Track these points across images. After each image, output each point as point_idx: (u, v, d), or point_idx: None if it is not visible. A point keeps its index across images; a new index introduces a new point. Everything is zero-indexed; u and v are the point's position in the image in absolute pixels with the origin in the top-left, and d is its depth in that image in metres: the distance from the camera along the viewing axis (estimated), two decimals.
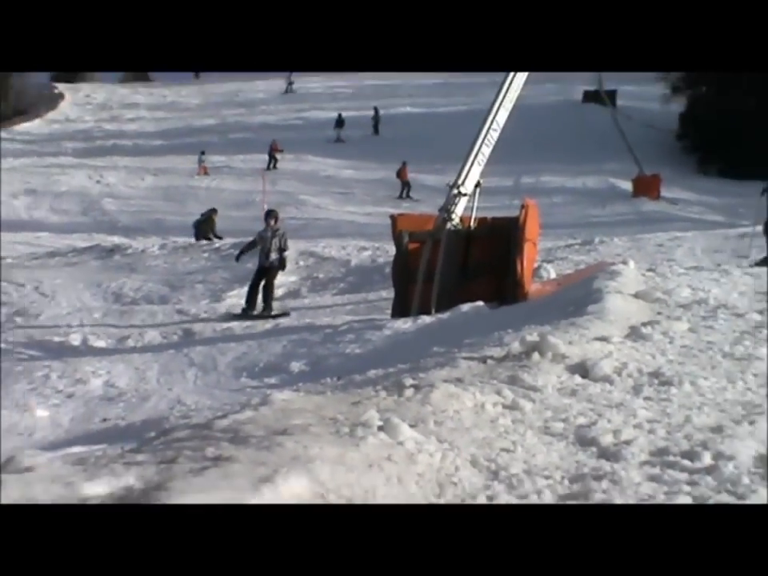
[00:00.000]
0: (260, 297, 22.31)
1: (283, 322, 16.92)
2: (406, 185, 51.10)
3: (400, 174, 51.30)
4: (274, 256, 22.80)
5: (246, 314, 21.74)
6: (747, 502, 6.40)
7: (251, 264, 23.61)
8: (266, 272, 22.66)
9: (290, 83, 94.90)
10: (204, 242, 33.77)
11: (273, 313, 21.87)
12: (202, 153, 64.37)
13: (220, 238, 38.01)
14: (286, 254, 23.39)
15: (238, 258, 24.24)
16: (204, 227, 38.25)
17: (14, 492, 6.37)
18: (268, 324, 18.81)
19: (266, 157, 62.90)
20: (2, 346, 17.80)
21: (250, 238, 24.43)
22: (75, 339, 17.93)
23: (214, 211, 40.02)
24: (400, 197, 50.97)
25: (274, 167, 62.00)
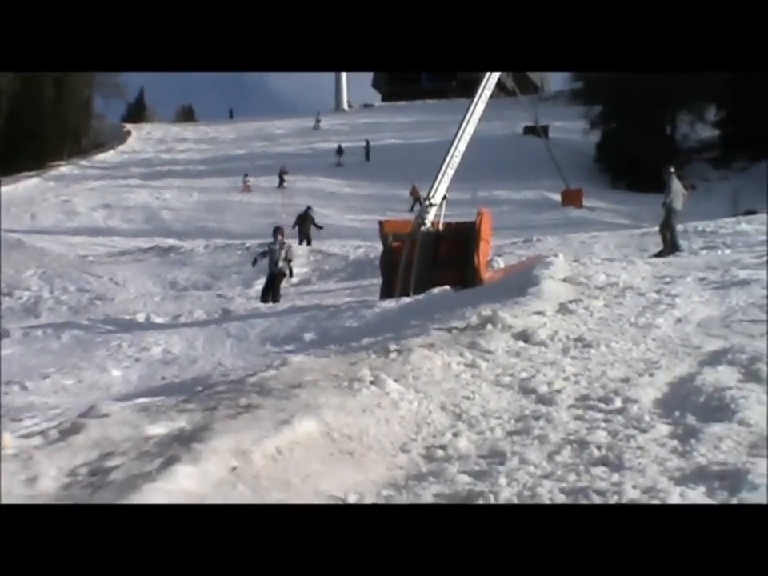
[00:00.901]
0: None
1: (297, 302, 16.98)
2: (416, 200, 50.28)
3: (412, 192, 50.67)
4: (281, 264, 22.65)
5: (264, 300, 21.69)
6: (648, 435, 6.44)
7: (259, 263, 23.56)
8: (275, 277, 22.61)
9: (318, 121, 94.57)
10: (239, 242, 33.34)
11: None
12: (246, 175, 63.69)
13: (320, 227, 37.69)
14: (292, 264, 23.30)
15: (254, 264, 23.89)
16: (305, 222, 37.39)
17: (95, 432, 6.38)
18: (286, 305, 18.73)
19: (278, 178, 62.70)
20: (86, 322, 17.83)
21: (261, 249, 24.23)
22: (140, 317, 17.91)
23: (309, 208, 39.05)
24: (410, 210, 50.00)
25: (282, 186, 61.64)
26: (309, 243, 36.00)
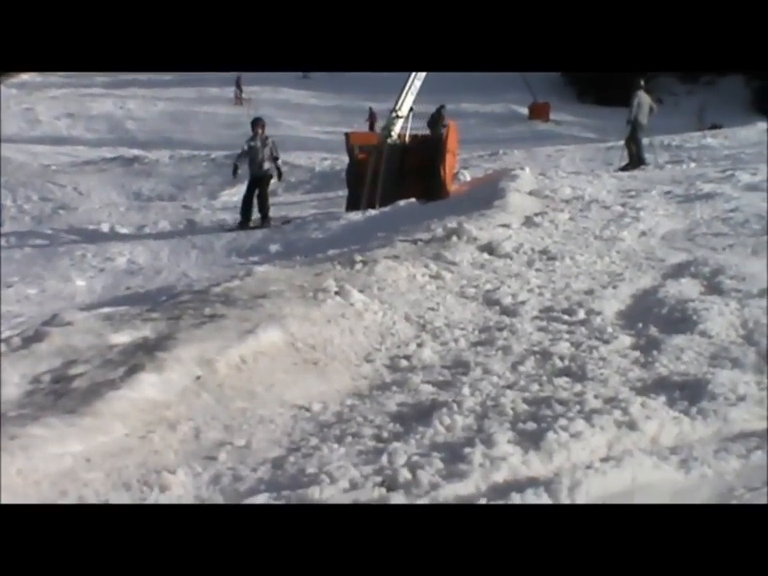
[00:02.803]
0: (255, 208, 18.06)
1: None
2: (372, 126, 49.04)
3: (368, 118, 49.85)
4: (267, 165, 18.14)
5: (242, 227, 17.37)
6: (611, 346, 6.48)
7: (240, 170, 19.15)
8: (260, 182, 18.14)
9: None
10: (204, 152, 32.75)
11: (273, 222, 17.82)
12: (238, 85, 57.45)
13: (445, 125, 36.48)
14: (280, 161, 18.72)
15: (234, 173, 19.17)
16: (437, 123, 36.49)
17: (59, 340, 6.36)
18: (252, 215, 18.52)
19: (238, 89, 60.05)
20: (50, 232, 17.71)
21: (239, 151, 19.24)
22: (105, 227, 17.80)
23: (443, 107, 37.37)
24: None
25: (239, 97, 59.59)
26: None
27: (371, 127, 46.31)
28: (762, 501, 3.96)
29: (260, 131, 18.54)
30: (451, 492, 4.10)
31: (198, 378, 5.82)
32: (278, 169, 18.61)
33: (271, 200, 18.85)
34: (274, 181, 19.16)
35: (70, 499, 4.27)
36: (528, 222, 11.65)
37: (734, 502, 4.02)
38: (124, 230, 17.57)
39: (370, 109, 48.26)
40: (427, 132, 20.03)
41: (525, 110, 55.10)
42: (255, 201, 18.15)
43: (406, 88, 19.68)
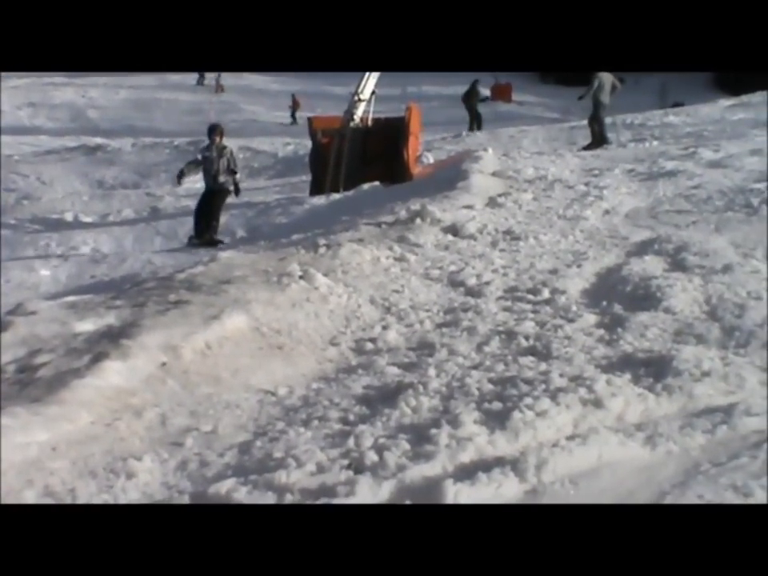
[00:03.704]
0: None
1: (229, 200, 16.13)
2: (295, 111, 48.46)
3: (292, 103, 49.41)
4: (223, 179, 15.60)
5: (192, 242, 14.90)
6: (575, 325, 6.49)
7: (187, 178, 17.07)
8: (213, 196, 15.72)
9: None
10: (167, 140, 32.60)
11: (216, 239, 15.18)
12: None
13: (485, 99, 35.59)
14: (238, 176, 16.13)
15: (179, 180, 16.69)
16: (471, 97, 35.90)
17: (23, 329, 6.31)
18: None
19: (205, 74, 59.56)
20: (13, 222, 17.58)
21: (191, 158, 17.14)
22: (68, 216, 17.64)
23: (477, 81, 36.85)
24: (291, 119, 48.13)
25: (202, 83, 59.23)
26: (479, 125, 34.53)
27: (293, 114, 46.21)
28: (729, 479, 3.98)
29: (217, 139, 16.00)
30: (418, 473, 4.10)
31: (164, 364, 5.80)
32: (236, 184, 15.84)
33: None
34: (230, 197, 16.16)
35: (36, 489, 4.24)
36: (491, 202, 11.66)
37: (700, 477, 4.04)
38: (88, 219, 17.43)
39: (293, 95, 48.11)
40: (389, 115, 19.87)
41: (487, 92, 55.07)
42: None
43: (368, 71, 19.62)
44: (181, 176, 16.37)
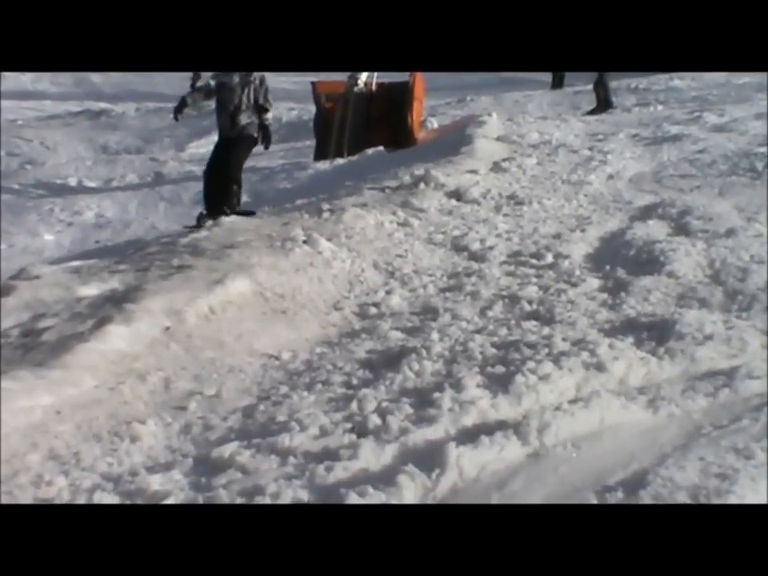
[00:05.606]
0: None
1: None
2: (194, 83, 47.98)
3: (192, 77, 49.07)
4: (245, 119, 10.53)
5: (202, 222, 10.02)
6: (579, 289, 6.49)
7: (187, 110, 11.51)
8: (231, 147, 10.63)
9: None
10: (171, 104, 32.36)
11: (243, 209, 10.91)
12: None
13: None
14: (270, 115, 10.87)
15: (177, 114, 10.90)
16: None
17: (26, 293, 6.32)
18: None
19: None
20: (17, 187, 17.54)
21: (201, 83, 12.21)
22: (72, 181, 17.60)
23: None
24: (191, 87, 47.42)
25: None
26: (562, 81, 32.74)
27: (193, 86, 45.86)
28: (731, 441, 3.98)
29: None
30: (421, 436, 4.11)
31: (167, 328, 5.81)
32: (265, 127, 10.72)
33: None
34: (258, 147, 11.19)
35: (41, 452, 4.26)
36: (496, 167, 11.62)
37: (702, 440, 4.04)
38: (91, 184, 17.38)
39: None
40: (394, 80, 19.80)
41: None
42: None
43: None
44: (181, 108, 10.94)
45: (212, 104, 11.33)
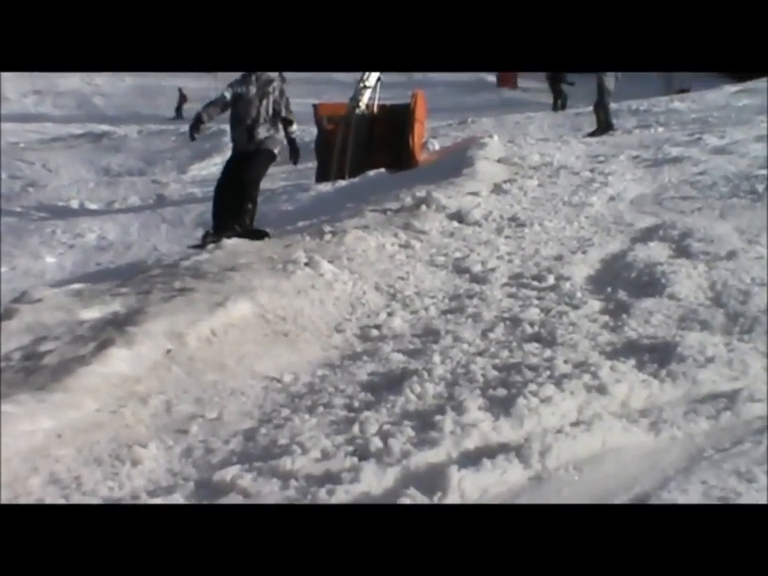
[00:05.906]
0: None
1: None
2: (180, 105, 48.09)
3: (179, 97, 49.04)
4: (264, 133, 10.19)
5: (207, 240, 9.85)
6: (580, 311, 6.49)
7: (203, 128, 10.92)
8: (248, 163, 10.20)
9: None
10: (173, 126, 32.62)
11: (256, 229, 10.21)
12: None
13: (572, 83, 34.55)
14: (295, 127, 10.70)
15: (194, 132, 10.35)
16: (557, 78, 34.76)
17: (28, 317, 6.32)
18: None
19: None
20: (19, 209, 17.58)
21: (214, 96, 10.79)
22: (74, 204, 17.65)
23: None
24: (176, 113, 47.47)
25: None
26: (564, 104, 33.07)
27: (178, 110, 45.77)
28: (733, 464, 3.97)
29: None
30: (423, 459, 4.11)
31: (169, 351, 5.82)
32: (292, 141, 10.57)
33: None
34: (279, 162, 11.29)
35: (41, 476, 4.26)
36: (497, 189, 11.63)
37: (704, 463, 4.04)
38: (93, 206, 17.43)
39: (180, 90, 47.76)
40: (395, 102, 19.84)
41: (493, 78, 55.06)
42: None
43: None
44: (197, 125, 10.31)
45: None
